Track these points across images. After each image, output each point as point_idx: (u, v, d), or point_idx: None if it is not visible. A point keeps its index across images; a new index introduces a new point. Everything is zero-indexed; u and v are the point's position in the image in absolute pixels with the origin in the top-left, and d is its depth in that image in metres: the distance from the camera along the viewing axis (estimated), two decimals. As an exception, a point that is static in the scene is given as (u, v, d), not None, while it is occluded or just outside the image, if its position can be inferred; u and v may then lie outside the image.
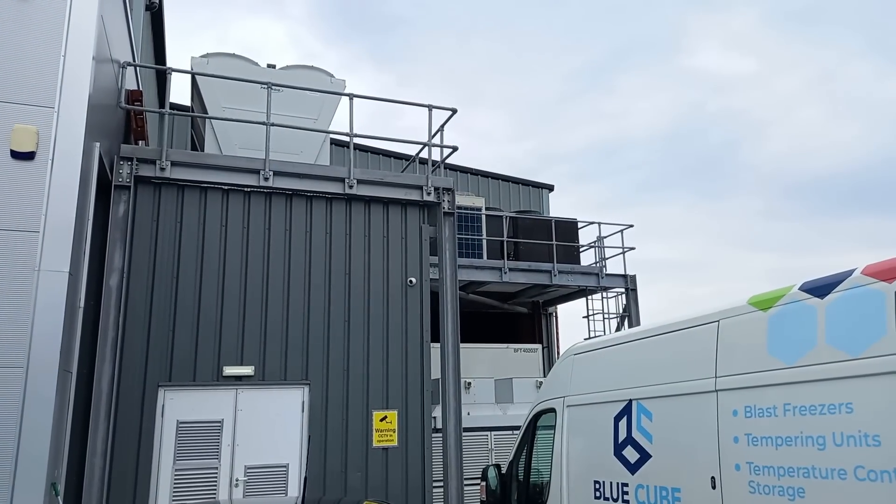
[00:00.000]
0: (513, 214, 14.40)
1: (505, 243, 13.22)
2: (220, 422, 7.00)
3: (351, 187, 8.32)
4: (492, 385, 10.77)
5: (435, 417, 8.52)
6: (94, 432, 6.39)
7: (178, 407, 6.85)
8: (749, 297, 4.17)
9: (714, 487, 4.06)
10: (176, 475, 6.69)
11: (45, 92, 5.59)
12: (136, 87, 7.98)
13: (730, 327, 4.22)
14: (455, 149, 9.78)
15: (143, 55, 9.26)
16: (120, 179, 7.08)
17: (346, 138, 8.62)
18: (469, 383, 10.34)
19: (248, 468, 6.99)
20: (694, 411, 4.32)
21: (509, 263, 12.78)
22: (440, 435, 8.14)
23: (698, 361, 4.37)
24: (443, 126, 9.64)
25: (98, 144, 6.07)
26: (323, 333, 7.78)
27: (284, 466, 7.14)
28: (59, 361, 5.20)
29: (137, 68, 8.21)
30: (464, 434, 8.28)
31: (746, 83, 55.08)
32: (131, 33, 7.81)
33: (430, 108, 9.48)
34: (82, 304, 5.74)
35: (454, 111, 9.72)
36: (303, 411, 7.41)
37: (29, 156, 5.45)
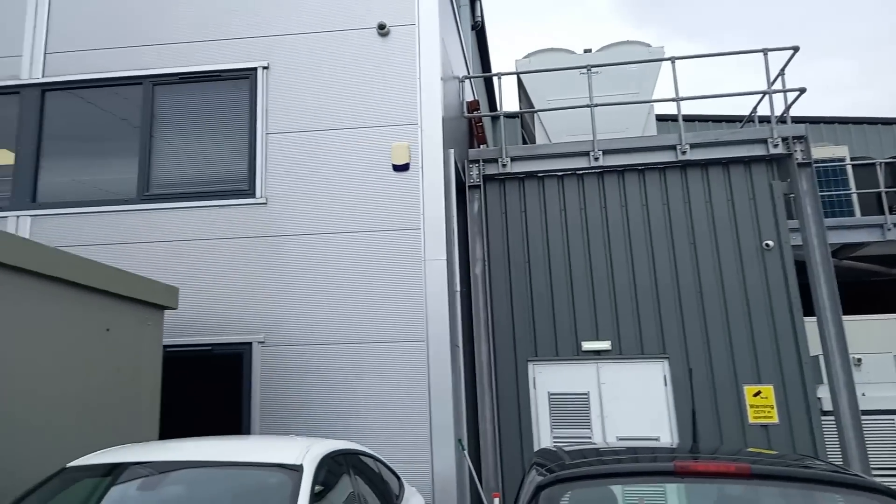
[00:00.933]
0: (890, 160, 11.86)
1: (884, 195, 10.95)
2: (586, 394, 7.24)
3: (684, 153, 7.90)
4: (892, 361, 8.95)
5: (820, 399, 7.42)
6: (482, 400, 7.24)
7: (546, 380, 7.33)
8: None
9: None
10: (555, 442, 7.14)
11: (410, 111, 6.60)
12: (472, 98, 8.93)
13: None
14: (803, 90, 8.55)
15: (473, 69, 10.35)
16: (471, 180, 7.95)
17: (671, 109, 8.24)
18: (859, 360, 8.77)
19: (620, 439, 7.06)
20: None
21: (893, 218, 10.54)
22: (830, 418, 7.09)
23: None
24: (784, 68, 8.53)
25: (452, 151, 6.90)
26: (675, 305, 7.47)
27: (655, 439, 7.03)
28: (449, 337, 6.02)
29: (472, 80, 9.18)
30: (862, 418, 7.04)
31: None
32: (464, 50, 8.79)
33: (765, 51, 8.49)
34: (458, 288, 6.56)
35: (795, 49, 8.53)
36: (665, 385, 7.20)
37: (405, 167, 6.49)
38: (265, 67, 6.80)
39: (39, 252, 4.04)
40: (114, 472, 3.43)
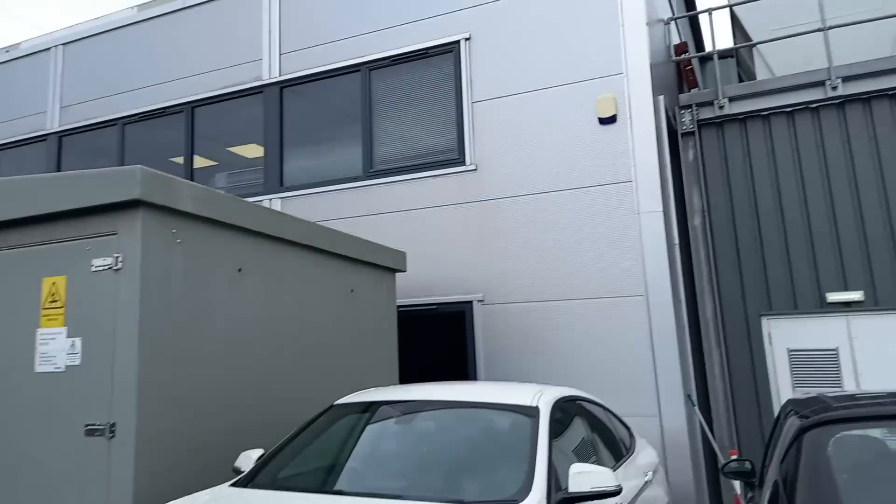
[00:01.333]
0: None
1: None
2: (834, 350, 6.48)
3: (952, 68, 6.61)
4: None
5: None
6: (709, 356, 6.86)
7: (784, 335, 6.69)
8: None
9: None
10: (799, 399, 6.54)
11: (615, 61, 6.38)
12: (679, 41, 8.34)
13: None
14: None
15: (677, 10, 9.64)
16: (684, 127, 7.47)
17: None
18: None
19: (881, 400, 6.24)
20: None
21: None
22: None
23: None
24: None
25: (662, 98, 6.54)
26: (948, 250, 6.34)
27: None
28: (670, 291, 5.78)
29: (677, 22, 8.57)
30: None
31: None
32: (668, -10, 8.23)
33: None
34: (676, 241, 6.24)
35: None
36: (940, 340, 6.18)
37: (612, 119, 6.31)
38: (467, 39, 7.03)
39: (306, 227, 4.67)
40: (371, 409, 3.89)
